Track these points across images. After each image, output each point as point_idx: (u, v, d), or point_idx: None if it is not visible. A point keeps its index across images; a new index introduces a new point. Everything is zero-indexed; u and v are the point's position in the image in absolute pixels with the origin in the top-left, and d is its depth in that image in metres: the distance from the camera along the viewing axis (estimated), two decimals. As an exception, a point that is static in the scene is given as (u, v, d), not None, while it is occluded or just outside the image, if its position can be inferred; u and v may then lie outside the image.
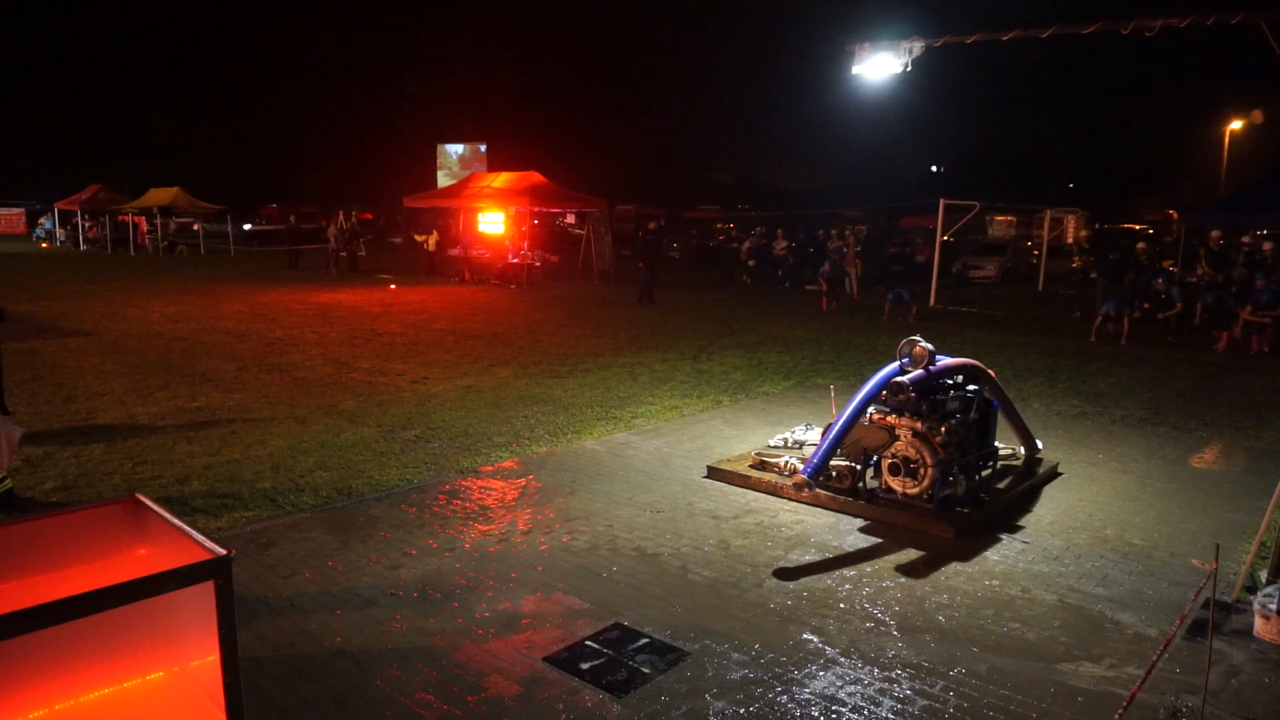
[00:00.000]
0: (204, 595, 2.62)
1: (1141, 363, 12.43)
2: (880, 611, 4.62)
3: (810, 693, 3.82)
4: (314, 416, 8.54)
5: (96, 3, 58.44)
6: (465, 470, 6.94)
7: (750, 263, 25.10)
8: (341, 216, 26.59)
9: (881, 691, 3.84)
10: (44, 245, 36.81)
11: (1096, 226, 33.08)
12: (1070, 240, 29.44)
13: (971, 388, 6.36)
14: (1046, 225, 25.84)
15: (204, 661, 2.76)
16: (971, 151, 59.19)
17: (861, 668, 4.04)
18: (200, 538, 2.74)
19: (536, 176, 25.02)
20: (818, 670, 4.01)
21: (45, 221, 39.37)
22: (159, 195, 33.42)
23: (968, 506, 5.92)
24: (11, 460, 5.71)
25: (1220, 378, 11.34)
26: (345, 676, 3.89)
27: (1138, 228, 35.46)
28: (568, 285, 23.08)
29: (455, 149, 35.62)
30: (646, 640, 4.24)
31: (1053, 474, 7.02)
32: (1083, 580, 5.05)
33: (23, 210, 45.23)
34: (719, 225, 38.62)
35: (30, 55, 56.03)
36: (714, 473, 6.85)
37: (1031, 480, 6.71)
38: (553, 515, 5.94)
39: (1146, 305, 17.27)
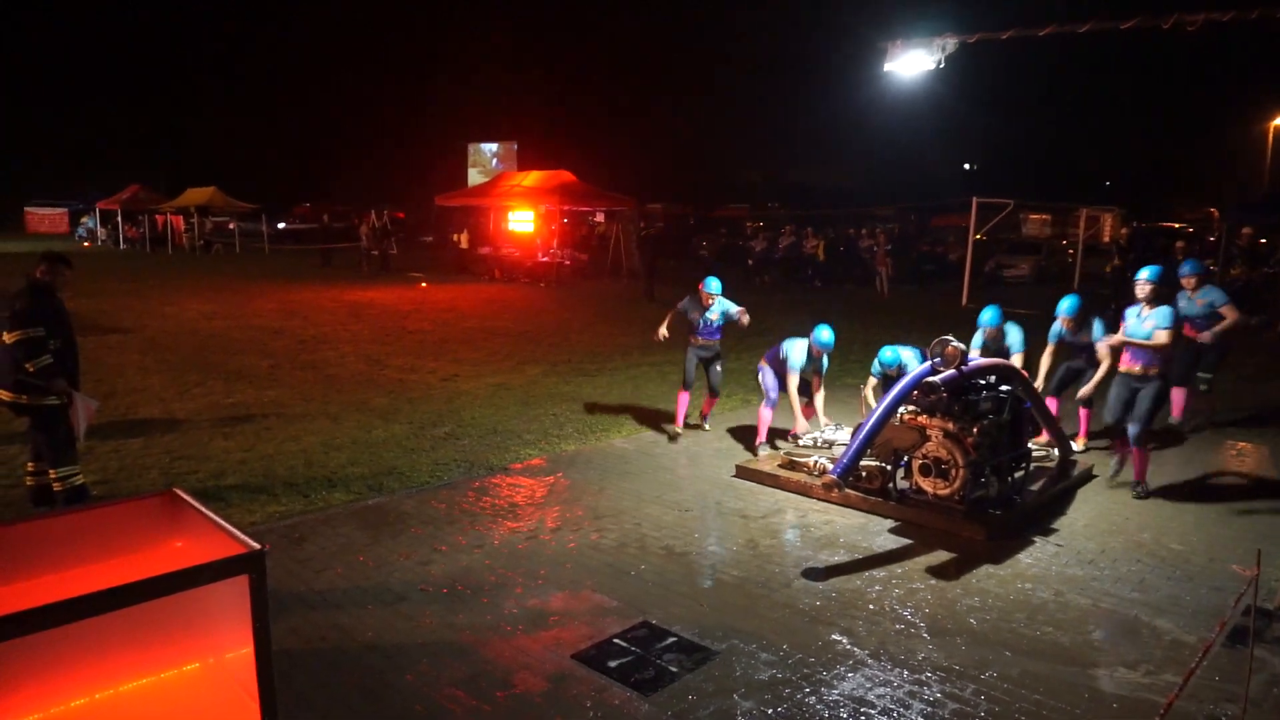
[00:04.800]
0: (238, 589, 2.65)
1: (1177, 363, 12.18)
2: (910, 613, 4.57)
3: (839, 694, 3.80)
4: (346, 413, 8.63)
5: (134, 9, 59.65)
6: (495, 467, 6.98)
7: (749, 262, 25.16)
8: (373, 215, 26.82)
9: (911, 694, 3.81)
10: (86, 244, 37.51)
11: (1135, 225, 32.47)
12: (1107, 239, 28.90)
13: (1004, 388, 6.28)
14: (1083, 224, 25.40)
15: (238, 654, 2.80)
16: (1006, 149, 58.37)
17: (891, 670, 4.01)
18: (235, 532, 2.77)
19: (566, 175, 25.07)
20: (846, 672, 3.99)
21: (87, 221, 40.12)
22: (196, 195, 33.92)
23: (1000, 508, 5.84)
24: (86, 429, 5.83)
25: (1260, 380, 11.09)
26: (376, 671, 3.93)
27: (1177, 226, 34.75)
28: (596, 283, 23.11)
29: (489, 147, 35.80)
30: (674, 639, 4.24)
31: (1087, 476, 6.91)
32: (1118, 585, 4.97)
33: (65, 210, 46.12)
34: (748, 224, 38.44)
35: (72, 59, 57.26)
36: (743, 472, 6.83)
37: (1065, 482, 6.61)
38: (581, 513, 5.96)
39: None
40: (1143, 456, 6.48)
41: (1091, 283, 24.18)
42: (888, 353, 7.28)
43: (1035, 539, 5.63)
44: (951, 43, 10.43)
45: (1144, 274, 6.80)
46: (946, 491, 5.76)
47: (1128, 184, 51.55)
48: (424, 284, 21.99)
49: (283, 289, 20.33)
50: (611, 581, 4.89)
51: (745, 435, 8.01)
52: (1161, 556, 5.39)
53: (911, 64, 11.19)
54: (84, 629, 2.47)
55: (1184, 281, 8.03)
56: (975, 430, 5.75)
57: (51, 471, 5.63)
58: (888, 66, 11.40)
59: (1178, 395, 8.30)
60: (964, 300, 19.75)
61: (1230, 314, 7.87)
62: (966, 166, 62.53)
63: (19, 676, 2.57)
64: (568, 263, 23.62)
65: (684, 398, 8.02)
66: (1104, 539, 5.66)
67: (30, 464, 5.85)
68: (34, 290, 5.57)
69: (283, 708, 2.86)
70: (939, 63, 10.84)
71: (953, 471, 5.72)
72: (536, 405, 9.13)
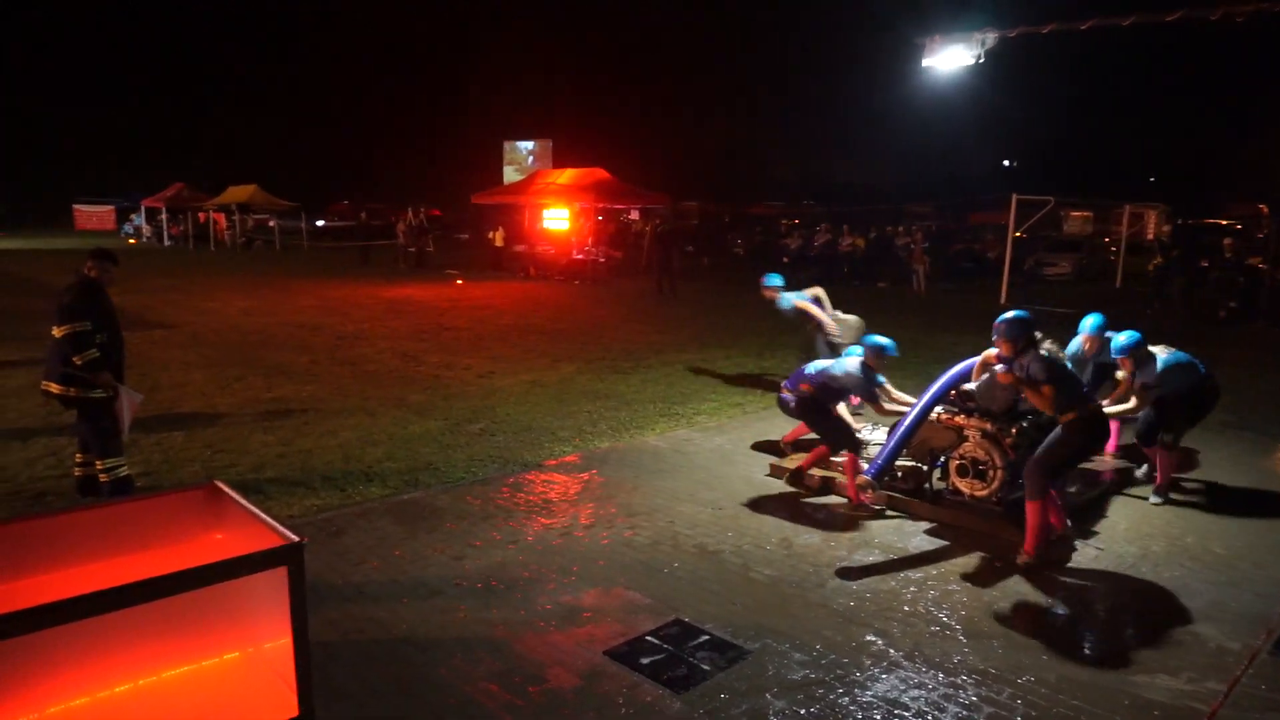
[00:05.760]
0: (277, 580, 2.70)
1: (1224, 364, 11.91)
2: (945, 615, 4.52)
3: (872, 695, 3.77)
4: (383, 409, 8.73)
5: (180, 12, 60.92)
6: (529, 464, 7.02)
7: (785, 260, 25.31)
8: (410, 213, 27.11)
9: (946, 697, 3.76)
10: (131, 241, 38.31)
11: (1179, 222, 31.74)
12: (1150, 236, 28.36)
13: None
14: (1125, 221, 24.91)
15: (276, 644, 2.85)
16: (1046, 145, 57.39)
17: (925, 672, 3.97)
18: (274, 524, 2.82)
19: (601, 173, 25.12)
20: (880, 673, 3.95)
21: (133, 218, 41.00)
22: (237, 193, 34.53)
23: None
24: (131, 422, 5.98)
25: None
26: (410, 664, 3.98)
27: (1224, 223, 33.93)
28: (631, 281, 23.12)
29: (525, 145, 35.97)
30: (707, 637, 4.23)
31: (1129, 478, 6.78)
32: (1160, 590, 4.87)
33: (112, 207, 47.16)
34: (783, 222, 38.25)
35: (119, 61, 58.58)
36: (776, 471, 6.79)
37: (1106, 485, 6.49)
38: (614, 510, 5.97)
39: (1233, 304, 16.56)
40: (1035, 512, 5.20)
41: (1134, 281, 23.77)
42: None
43: (1075, 542, 5.53)
44: (991, 37, 10.29)
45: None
46: (984, 493, 5.68)
47: (1172, 180, 50.44)
48: (460, 281, 22.16)
49: (321, 286, 20.62)
50: (644, 579, 4.89)
51: (778, 433, 7.96)
52: (1205, 561, 5.27)
53: (950, 59, 11.05)
54: (128, 617, 2.53)
55: (1121, 363, 6.35)
56: (1014, 431, 5.67)
57: (98, 463, 5.77)
58: (926, 62, 11.28)
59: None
60: (1002, 298, 19.49)
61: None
62: (1005, 163, 61.60)
63: (66, 662, 2.64)
64: (602, 260, 23.67)
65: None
66: (1145, 542, 5.55)
67: (78, 455, 6.00)
68: (82, 286, 5.71)
69: (319, 698, 2.90)
70: (978, 58, 10.70)
71: (990, 473, 5.64)
72: (571, 402, 9.16)
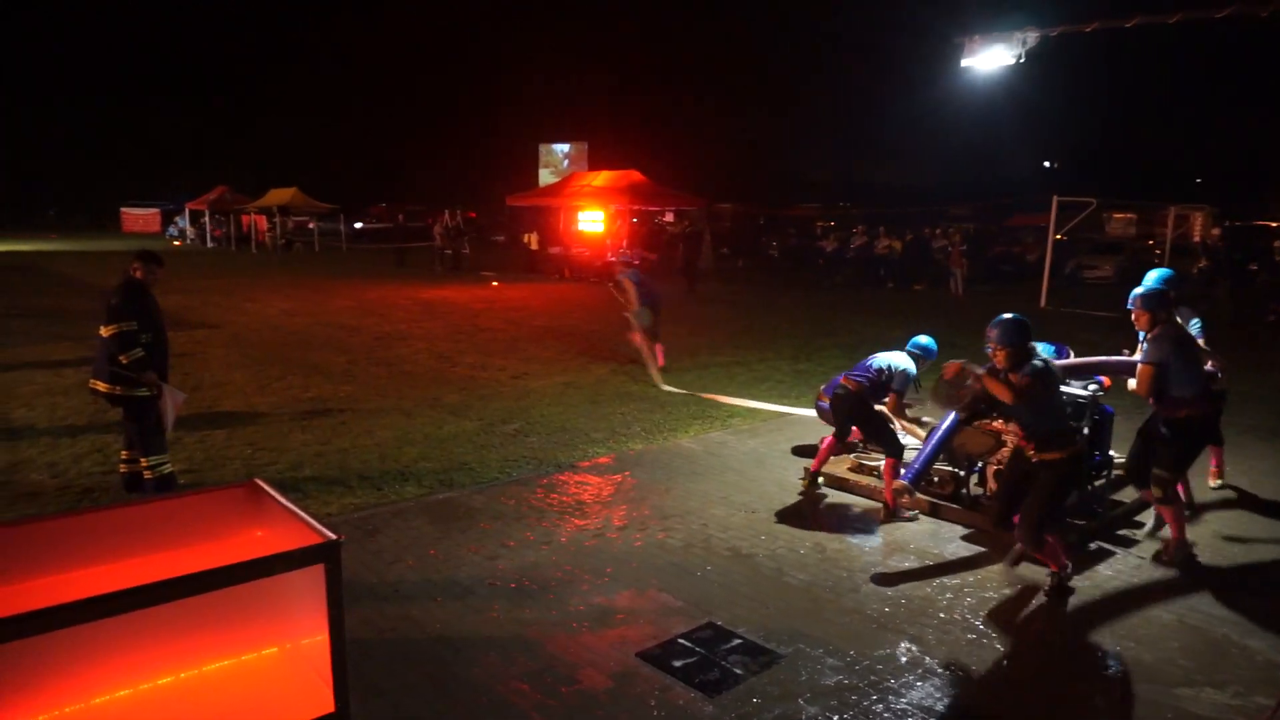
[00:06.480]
0: (314, 577, 2.73)
1: (1272, 369, 11.61)
2: (981, 622, 4.46)
3: (906, 703, 3.72)
4: (419, 409, 8.81)
5: (222, 20, 62.19)
6: (563, 465, 7.04)
7: (820, 262, 25.43)
8: (447, 215, 27.33)
9: (982, 705, 3.70)
10: (176, 243, 39.11)
11: (1228, 224, 30.98)
12: (1197, 239, 27.76)
13: (1083, 393, 6.06)
14: (1171, 223, 24.37)
15: (313, 640, 2.88)
16: (1089, 146, 56.38)
17: (960, 679, 3.91)
18: (313, 522, 2.86)
19: (636, 175, 25.13)
20: (915, 680, 3.91)
21: (178, 220, 41.87)
22: (278, 195, 35.08)
23: (1080, 518, 5.65)
24: (174, 420, 6.13)
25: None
26: (444, 662, 4.01)
27: (1275, 225, 33.03)
28: (665, 283, 23.07)
29: (560, 148, 36.11)
30: (739, 641, 4.21)
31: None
32: (1205, 600, 4.75)
33: (158, 210, 48.19)
34: (819, 224, 38.01)
35: (164, 68, 59.96)
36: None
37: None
38: (648, 512, 5.97)
39: (1282, 308, 16.12)
40: (1052, 548, 4.75)
41: (1179, 284, 23.24)
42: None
43: (1116, 550, 5.42)
44: (1032, 36, 10.13)
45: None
46: (1022, 499, 5.58)
47: (1220, 181, 49.26)
48: (495, 283, 22.30)
49: (359, 287, 20.87)
50: (677, 581, 4.88)
51: (812, 437, 7.91)
52: (1253, 571, 5.13)
53: (990, 59, 10.90)
54: (170, 611, 2.58)
55: (1135, 317, 5.30)
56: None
57: (143, 460, 5.90)
58: (965, 62, 11.13)
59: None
60: (1042, 302, 19.19)
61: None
62: (1046, 164, 60.60)
63: (110, 654, 2.69)
64: (636, 262, 23.64)
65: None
66: (1190, 552, 5.42)
67: (124, 452, 6.14)
68: (129, 286, 5.85)
69: (354, 695, 2.93)
70: (1019, 57, 10.54)
71: (1029, 478, 5.54)
72: (604, 404, 9.18)
